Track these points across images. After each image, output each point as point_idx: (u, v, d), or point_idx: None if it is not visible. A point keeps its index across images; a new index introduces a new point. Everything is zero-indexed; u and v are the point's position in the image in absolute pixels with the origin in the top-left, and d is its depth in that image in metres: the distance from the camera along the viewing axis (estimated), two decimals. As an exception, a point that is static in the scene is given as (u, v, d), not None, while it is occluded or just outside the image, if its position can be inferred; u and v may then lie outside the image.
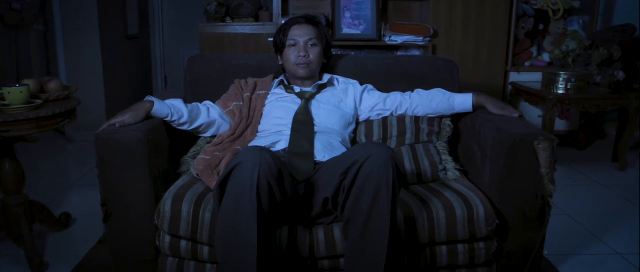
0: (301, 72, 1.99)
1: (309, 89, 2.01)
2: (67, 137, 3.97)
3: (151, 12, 4.73)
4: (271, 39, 2.17)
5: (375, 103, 2.05)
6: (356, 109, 2.05)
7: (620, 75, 3.35)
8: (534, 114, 3.65)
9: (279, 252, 1.56)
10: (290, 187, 1.51)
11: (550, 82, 3.32)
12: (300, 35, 1.99)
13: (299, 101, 1.95)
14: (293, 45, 1.99)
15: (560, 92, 3.26)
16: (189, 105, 1.90)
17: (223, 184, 1.42)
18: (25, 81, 2.06)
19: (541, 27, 3.86)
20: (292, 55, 1.99)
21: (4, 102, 1.93)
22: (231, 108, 1.97)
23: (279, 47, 2.05)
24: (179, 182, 1.73)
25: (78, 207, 2.64)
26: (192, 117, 1.88)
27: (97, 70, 3.81)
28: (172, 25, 4.83)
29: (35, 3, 3.52)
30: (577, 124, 3.90)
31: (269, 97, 2.01)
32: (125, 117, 1.72)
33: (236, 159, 1.42)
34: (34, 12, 3.53)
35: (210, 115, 1.94)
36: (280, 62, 2.08)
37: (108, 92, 3.89)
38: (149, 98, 1.82)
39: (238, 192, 1.38)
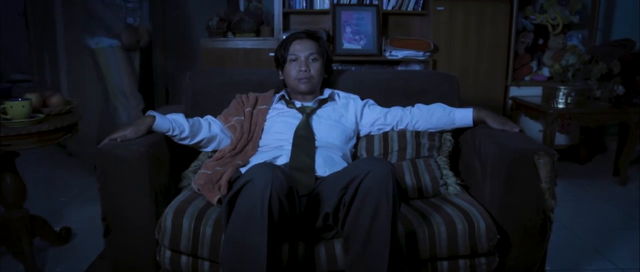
0: (302, 86, 2.00)
1: (309, 104, 2.02)
2: (68, 151, 3.97)
3: (153, 27, 4.75)
4: (272, 54, 2.18)
5: (376, 118, 2.06)
6: (357, 124, 2.06)
7: (620, 89, 3.37)
8: (534, 128, 3.65)
9: (280, 267, 1.56)
10: (297, 204, 1.52)
11: (550, 96, 3.33)
12: (301, 50, 2.00)
13: (299, 116, 1.96)
14: (294, 60, 2.01)
15: (561, 106, 3.26)
16: (190, 120, 1.90)
17: (232, 200, 1.43)
18: (28, 95, 2.07)
19: (541, 41, 3.88)
20: (293, 70, 2.00)
21: (5, 117, 1.94)
22: (232, 123, 1.98)
23: (280, 62, 2.06)
24: (180, 197, 1.73)
25: (78, 222, 2.63)
26: (193, 132, 1.89)
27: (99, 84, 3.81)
28: (174, 39, 4.85)
29: None
30: (578, 139, 3.90)
31: (270, 112, 2.02)
32: (127, 132, 1.73)
33: (247, 175, 1.42)
34: None
35: (211, 130, 1.95)
36: (281, 77, 2.09)
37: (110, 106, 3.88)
38: (150, 112, 1.83)
39: (249, 208, 1.38)
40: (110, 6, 3.12)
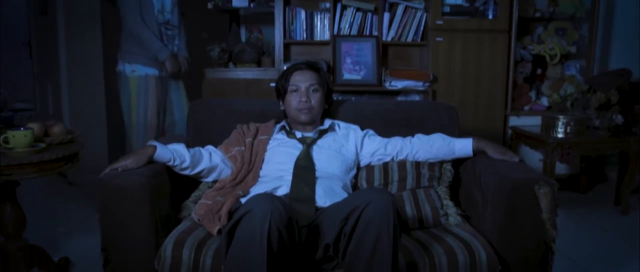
0: (303, 117, 2.01)
1: (310, 134, 2.03)
2: (69, 180, 3.97)
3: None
4: (273, 85, 2.20)
5: (376, 148, 2.07)
6: (357, 154, 2.06)
7: (619, 119, 3.38)
8: (534, 157, 3.66)
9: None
10: (297, 234, 1.51)
11: (549, 126, 3.34)
12: (302, 80, 2.02)
13: (300, 146, 1.97)
14: (295, 91, 2.03)
15: (560, 136, 3.28)
16: (191, 150, 1.91)
17: (231, 230, 1.42)
18: (30, 125, 2.09)
19: (539, 71, 3.91)
20: (293, 101, 2.02)
21: (7, 146, 1.95)
22: (233, 153, 1.98)
23: (281, 92, 2.08)
24: (180, 227, 1.73)
25: (77, 252, 2.61)
26: (194, 162, 1.89)
27: (100, 113, 3.84)
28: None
29: None
30: (578, 168, 3.90)
31: (270, 142, 2.03)
32: (128, 162, 1.73)
33: (246, 206, 1.42)
34: None
35: (212, 160, 1.95)
36: (282, 108, 2.11)
37: (111, 134, 3.91)
38: (151, 142, 1.84)
39: (248, 239, 1.38)
40: (154, 33, 3.10)
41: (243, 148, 2.00)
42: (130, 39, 3.14)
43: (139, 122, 3.20)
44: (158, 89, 3.23)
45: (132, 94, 3.18)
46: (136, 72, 3.15)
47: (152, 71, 3.18)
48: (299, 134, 2.04)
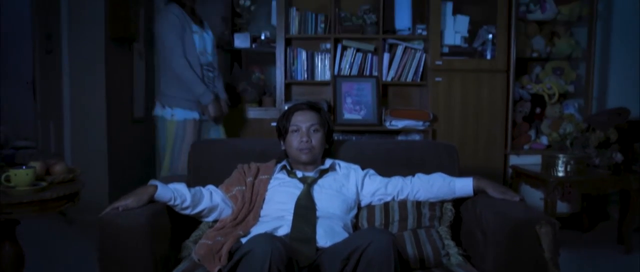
0: (304, 157, 2.03)
1: (311, 174, 2.04)
2: (68, 219, 3.95)
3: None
4: (274, 124, 2.22)
5: (377, 188, 2.07)
6: (358, 194, 2.07)
7: (619, 157, 3.39)
8: (535, 196, 3.64)
9: None
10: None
11: (549, 164, 3.35)
12: (303, 121, 2.05)
13: (301, 186, 1.97)
14: (296, 131, 2.04)
15: (560, 174, 3.28)
16: (192, 189, 1.91)
17: (232, 271, 1.42)
18: (32, 163, 2.10)
19: (538, 110, 3.94)
20: (294, 141, 2.04)
21: (9, 184, 1.95)
22: (234, 193, 1.99)
23: (282, 132, 2.10)
24: (180, 267, 1.72)
25: (75, 292, 2.58)
26: (195, 202, 1.89)
27: (102, 152, 3.85)
28: (177, 108, 4.94)
29: None
30: (580, 207, 3.89)
31: (271, 182, 2.03)
32: (128, 201, 1.74)
33: (247, 247, 1.42)
34: None
35: (212, 200, 1.95)
36: (283, 147, 2.12)
37: (111, 174, 3.91)
38: (152, 182, 1.85)
39: None
40: (198, 76, 3.00)
41: (244, 188, 2.00)
42: (172, 82, 3.04)
43: (174, 165, 3.09)
44: (196, 133, 3.11)
45: (169, 138, 3.08)
46: (176, 116, 3.04)
47: (193, 115, 3.08)
48: (299, 174, 2.04)
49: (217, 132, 3.28)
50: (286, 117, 2.09)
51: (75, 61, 3.77)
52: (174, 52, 2.95)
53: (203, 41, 3.09)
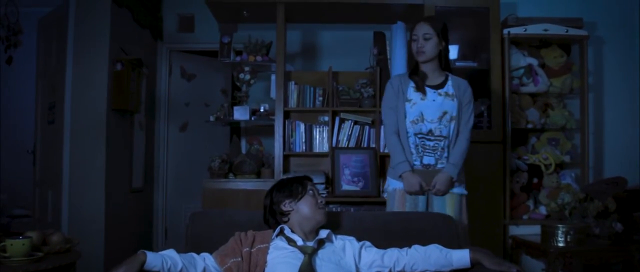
0: (322, 216, 2.10)
1: (310, 244, 2.03)
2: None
3: (156, 166, 4.88)
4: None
5: (373, 259, 2.06)
6: (356, 266, 2.05)
7: (618, 227, 3.38)
8: (537, 267, 3.59)
9: None
10: None
11: (549, 235, 3.32)
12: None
13: (301, 256, 1.95)
14: (312, 196, 2.12)
15: (561, 244, 3.25)
16: (184, 255, 1.90)
17: None
18: (29, 233, 2.09)
19: (535, 180, 3.96)
20: (311, 203, 2.10)
21: (4, 254, 1.94)
22: (229, 265, 1.95)
23: (295, 197, 2.13)
24: None
25: None
26: (186, 266, 1.87)
27: (98, 222, 3.83)
28: (175, 179, 4.95)
29: None
30: (582, 278, 3.82)
31: (270, 251, 2.01)
32: (120, 270, 1.72)
33: None
34: None
35: (206, 266, 1.93)
36: (285, 219, 2.12)
37: (108, 243, 3.87)
38: (142, 251, 1.83)
39: None
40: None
41: (239, 259, 1.98)
42: None
43: None
44: None
45: None
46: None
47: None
48: (300, 242, 2.03)
49: None
50: (301, 183, 2.15)
51: (77, 131, 3.82)
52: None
53: None
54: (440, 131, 2.65)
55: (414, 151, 2.67)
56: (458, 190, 2.68)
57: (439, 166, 2.65)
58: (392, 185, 2.76)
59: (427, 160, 2.66)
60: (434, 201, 2.68)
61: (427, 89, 2.68)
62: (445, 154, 2.66)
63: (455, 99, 2.66)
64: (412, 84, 2.70)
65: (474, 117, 3.03)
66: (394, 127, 2.71)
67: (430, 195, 2.68)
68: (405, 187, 2.67)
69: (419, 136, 2.66)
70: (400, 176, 2.67)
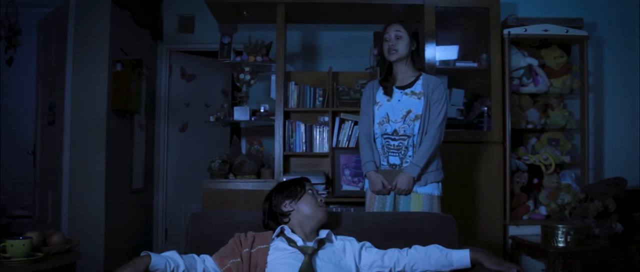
0: (323, 214, 2.10)
1: (310, 244, 2.03)
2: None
3: (156, 167, 4.88)
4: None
5: (373, 260, 2.06)
6: (357, 267, 2.05)
7: (618, 227, 3.38)
8: (537, 267, 3.60)
9: None
10: None
11: (549, 235, 3.33)
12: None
13: (301, 256, 1.96)
14: (311, 195, 2.12)
15: (561, 245, 3.25)
16: (184, 256, 1.90)
17: None
18: (29, 234, 2.09)
19: (535, 181, 3.96)
20: (312, 202, 2.11)
21: (4, 255, 1.94)
22: (228, 266, 1.96)
23: (294, 197, 2.13)
24: None
25: None
26: (188, 268, 1.87)
27: (98, 223, 3.83)
28: (175, 179, 4.96)
29: None
30: (582, 278, 3.82)
31: (270, 251, 2.01)
32: (126, 271, 1.72)
33: None
34: None
35: (206, 268, 1.93)
36: (286, 220, 2.12)
37: (108, 244, 3.87)
38: (145, 252, 1.84)
39: None
40: None
41: (239, 260, 1.98)
42: None
43: None
44: None
45: None
46: None
47: None
48: (300, 242, 2.03)
49: None
50: (300, 184, 2.15)
51: (77, 131, 3.83)
52: None
53: None
54: (404, 130, 2.69)
55: (381, 151, 2.75)
56: (426, 189, 2.68)
57: (404, 165, 2.68)
58: (365, 186, 2.85)
59: (392, 160, 2.71)
60: (400, 201, 2.71)
61: (394, 90, 2.76)
62: (410, 153, 2.68)
63: (422, 98, 2.69)
64: (381, 88, 2.79)
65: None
66: (364, 130, 2.81)
67: (397, 195, 2.71)
68: (369, 186, 2.76)
69: (385, 136, 2.73)
70: (364, 176, 2.77)
